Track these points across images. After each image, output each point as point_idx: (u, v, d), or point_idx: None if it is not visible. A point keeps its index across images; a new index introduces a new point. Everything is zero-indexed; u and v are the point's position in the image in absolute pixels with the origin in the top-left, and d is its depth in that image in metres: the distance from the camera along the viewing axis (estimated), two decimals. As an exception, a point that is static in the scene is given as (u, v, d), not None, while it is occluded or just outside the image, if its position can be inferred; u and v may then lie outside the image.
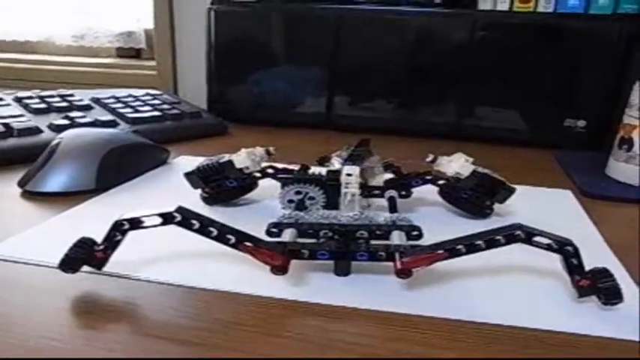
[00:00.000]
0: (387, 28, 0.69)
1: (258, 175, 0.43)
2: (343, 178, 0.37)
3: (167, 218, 0.29)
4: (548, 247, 0.29)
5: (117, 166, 0.46)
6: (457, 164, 0.42)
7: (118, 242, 0.29)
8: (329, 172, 0.40)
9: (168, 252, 0.33)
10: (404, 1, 0.69)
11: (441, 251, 0.29)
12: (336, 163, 0.43)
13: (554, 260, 0.30)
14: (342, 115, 0.73)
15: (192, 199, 0.43)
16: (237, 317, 0.27)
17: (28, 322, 0.26)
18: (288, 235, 0.31)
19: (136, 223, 0.29)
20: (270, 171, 0.43)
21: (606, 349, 0.25)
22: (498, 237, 0.28)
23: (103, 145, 0.46)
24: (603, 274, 0.28)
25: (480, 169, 0.41)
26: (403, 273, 0.28)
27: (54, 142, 0.46)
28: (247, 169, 0.41)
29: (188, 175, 0.42)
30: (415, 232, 0.32)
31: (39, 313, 0.27)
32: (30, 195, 0.43)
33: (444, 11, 0.67)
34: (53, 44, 1.11)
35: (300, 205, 0.39)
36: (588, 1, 0.64)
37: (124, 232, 0.29)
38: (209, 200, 0.42)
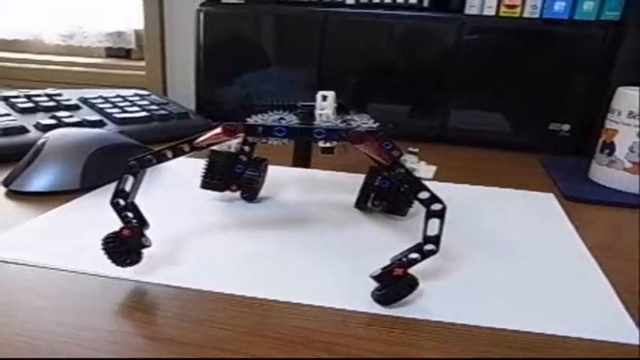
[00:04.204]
0: (375, 30, 0.69)
1: (246, 148, 0.43)
2: (318, 103, 0.39)
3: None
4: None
5: (102, 167, 0.46)
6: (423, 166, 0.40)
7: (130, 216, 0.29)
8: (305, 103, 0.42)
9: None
10: (392, 4, 0.69)
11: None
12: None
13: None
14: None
15: (179, 199, 0.43)
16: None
17: (9, 321, 0.26)
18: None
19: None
20: (247, 149, 0.43)
21: (602, 351, 0.26)
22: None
23: (89, 145, 0.46)
24: (414, 280, 0.29)
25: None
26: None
27: (39, 142, 0.46)
28: (230, 147, 0.43)
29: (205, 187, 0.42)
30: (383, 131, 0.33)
31: (20, 311, 0.27)
32: (14, 194, 0.43)
33: (432, 15, 0.68)
34: (42, 43, 1.11)
35: None
36: (573, 7, 0.65)
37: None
38: (249, 197, 0.43)
